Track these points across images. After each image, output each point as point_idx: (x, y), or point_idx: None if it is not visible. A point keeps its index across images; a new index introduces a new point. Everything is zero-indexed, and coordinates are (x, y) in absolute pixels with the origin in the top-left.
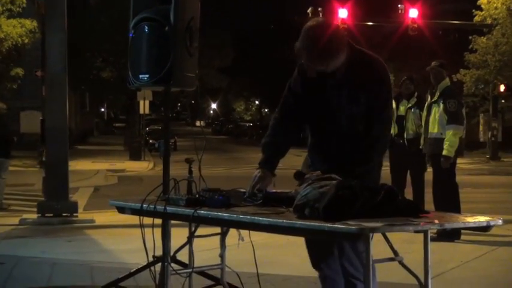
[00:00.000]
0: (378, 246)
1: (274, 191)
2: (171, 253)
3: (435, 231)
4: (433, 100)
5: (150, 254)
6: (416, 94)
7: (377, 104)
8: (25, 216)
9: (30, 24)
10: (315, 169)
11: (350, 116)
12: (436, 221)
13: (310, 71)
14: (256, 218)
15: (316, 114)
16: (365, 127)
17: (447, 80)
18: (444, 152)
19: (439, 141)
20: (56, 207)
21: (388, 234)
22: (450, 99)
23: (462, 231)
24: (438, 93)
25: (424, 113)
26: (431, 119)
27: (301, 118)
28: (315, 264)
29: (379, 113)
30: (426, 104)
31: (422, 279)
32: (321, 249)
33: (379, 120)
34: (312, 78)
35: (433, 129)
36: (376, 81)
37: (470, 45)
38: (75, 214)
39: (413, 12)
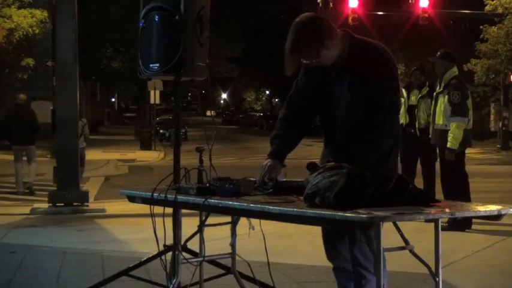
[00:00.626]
0: (388, 235)
1: (284, 180)
2: (182, 242)
3: (446, 220)
4: (438, 91)
5: (161, 243)
6: (427, 83)
7: (378, 92)
8: (36, 205)
9: (40, 14)
10: (328, 161)
11: (352, 106)
12: (447, 210)
13: (292, 65)
14: (266, 206)
15: (322, 107)
16: (367, 116)
17: (453, 70)
18: (448, 145)
19: (444, 133)
20: (67, 196)
21: (399, 223)
22: (455, 90)
23: (473, 220)
24: (443, 84)
25: (432, 103)
26: (437, 109)
27: (308, 113)
28: (331, 256)
29: (380, 101)
30: (434, 94)
31: (433, 268)
32: (338, 242)
33: (380, 109)
34: (316, 72)
35: (439, 120)
36: (376, 69)
37: (481, 35)
38: (86, 203)
39: (423, 2)
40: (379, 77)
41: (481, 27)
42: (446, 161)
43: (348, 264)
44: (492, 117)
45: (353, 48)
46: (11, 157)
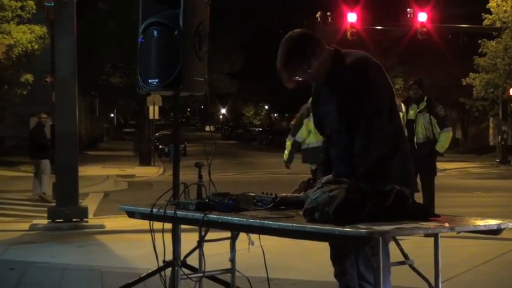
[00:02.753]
0: None
1: (284, 195)
2: (181, 258)
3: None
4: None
5: (160, 259)
6: (426, 98)
7: (363, 109)
8: (35, 221)
9: (39, 30)
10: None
11: (340, 121)
12: (447, 225)
13: (286, 81)
14: (266, 222)
15: (321, 123)
16: (348, 126)
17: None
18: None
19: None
20: (66, 212)
21: (398, 238)
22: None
23: (473, 234)
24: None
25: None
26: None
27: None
28: (339, 274)
29: (367, 121)
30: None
31: (433, 283)
32: (345, 260)
33: (368, 130)
34: (314, 89)
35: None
36: (353, 80)
37: (480, 49)
38: (85, 219)
39: (422, 16)
40: (356, 88)
41: (479, 41)
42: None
43: (356, 284)
44: (491, 131)
45: (338, 63)
46: (10, 173)
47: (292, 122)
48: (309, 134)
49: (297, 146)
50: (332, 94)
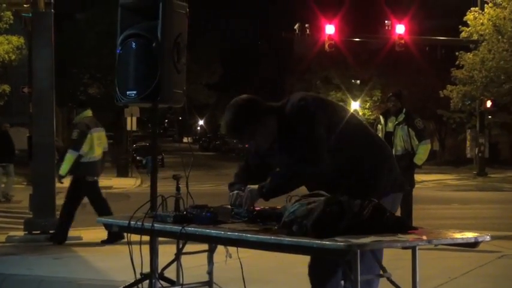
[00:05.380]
0: None
1: (262, 207)
2: (159, 270)
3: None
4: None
5: (138, 271)
6: (404, 110)
7: (294, 142)
8: (12, 233)
9: (17, 40)
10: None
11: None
12: (424, 237)
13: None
14: (244, 234)
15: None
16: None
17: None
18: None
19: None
20: (43, 224)
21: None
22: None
23: (451, 247)
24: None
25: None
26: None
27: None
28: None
29: (297, 152)
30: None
31: None
32: (323, 274)
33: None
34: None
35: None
36: (295, 124)
37: (457, 61)
38: None
39: (400, 28)
40: (297, 130)
41: (456, 53)
42: None
43: None
44: (468, 143)
45: (280, 119)
46: None
47: (73, 137)
48: (90, 148)
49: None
50: (281, 151)
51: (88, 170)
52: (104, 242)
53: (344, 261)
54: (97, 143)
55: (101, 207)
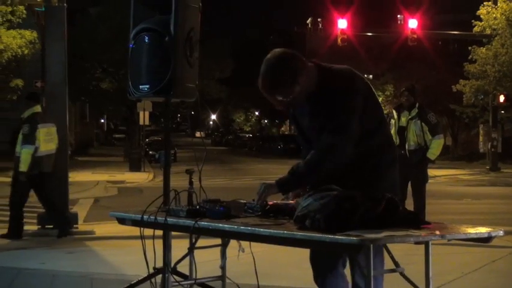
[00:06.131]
0: None
1: (275, 201)
2: (172, 264)
3: None
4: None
5: (151, 266)
6: (417, 105)
7: (330, 113)
8: (25, 227)
9: (30, 35)
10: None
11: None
12: (438, 232)
13: (275, 101)
14: (256, 229)
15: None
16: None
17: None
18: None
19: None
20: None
21: (389, 245)
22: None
23: (464, 242)
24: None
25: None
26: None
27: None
28: (317, 278)
29: (330, 122)
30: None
31: None
32: (324, 265)
33: (329, 130)
34: (298, 114)
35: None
36: (334, 94)
37: (470, 56)
38: (75, 225)
39: (412, 23)
40: (336, 101)
41: (469, 48)
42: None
43: None
44: (481, 138)
45: (320, 80)
46: None
47: (26, 132)
48: (39, 143)
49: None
50: (313, 113)
51: (33, 164)
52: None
53: (357, 255)
54: (44, 138)
55: (45, 200)
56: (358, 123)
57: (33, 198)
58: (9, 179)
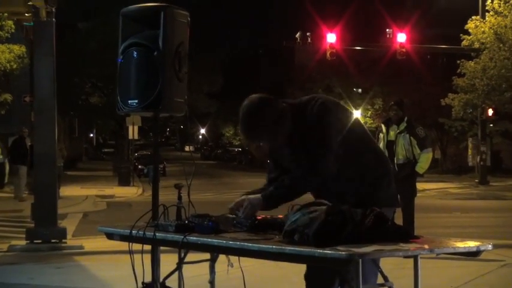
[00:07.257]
0: None
1: (263, 216)
2: (161, 279)
3: None
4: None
5: (140, 281)
6: (406, 119)
7: (311, 147)
8: (14, 242)
9: (18, 49)
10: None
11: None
12: (426, 246)
13: (254, 152)
14: (245, 243)
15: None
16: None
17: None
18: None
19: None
20: (45, 233)
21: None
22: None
23: (453, 256)
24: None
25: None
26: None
27: None
28: None
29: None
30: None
31: None
32: (320, 284)
33: (312, 156)
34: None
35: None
36: (312, 126)
37: (459, 70)
38: (64, 240)
39: (401, 37)
40: (315, 132)
41: (458, 61)
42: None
43: None
44: (470, 152)
45: (295, 120)
46: None
47: None
48: None
49: None
50: (293, 151)
51: None
52: None
53: (345, 270)
54: None
55: None
56: (340, 144)
57: (22, 212)
58: None
